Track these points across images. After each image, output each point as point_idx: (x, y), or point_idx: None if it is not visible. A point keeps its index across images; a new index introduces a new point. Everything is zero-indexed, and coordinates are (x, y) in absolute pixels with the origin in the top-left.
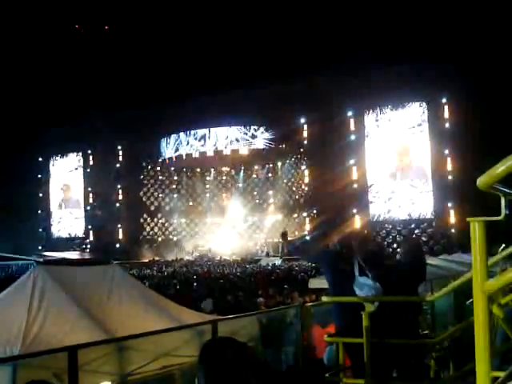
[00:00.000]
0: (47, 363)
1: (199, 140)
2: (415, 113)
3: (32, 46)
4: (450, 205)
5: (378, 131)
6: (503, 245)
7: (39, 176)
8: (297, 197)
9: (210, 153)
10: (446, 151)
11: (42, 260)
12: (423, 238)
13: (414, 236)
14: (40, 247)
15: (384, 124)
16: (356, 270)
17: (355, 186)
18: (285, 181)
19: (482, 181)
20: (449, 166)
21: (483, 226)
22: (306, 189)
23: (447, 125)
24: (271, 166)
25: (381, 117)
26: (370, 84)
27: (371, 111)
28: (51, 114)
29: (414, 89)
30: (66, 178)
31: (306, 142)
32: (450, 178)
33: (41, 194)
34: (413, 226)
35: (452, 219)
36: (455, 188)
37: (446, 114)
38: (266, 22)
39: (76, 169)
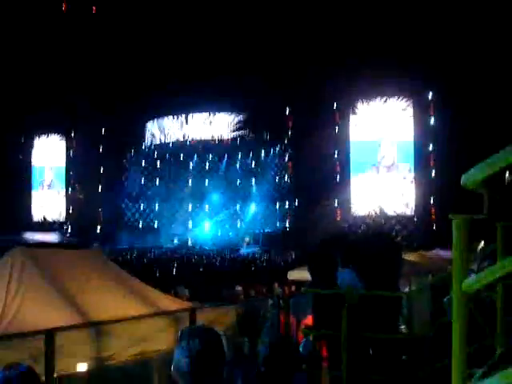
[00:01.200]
0: (24, 345)
1: (183, 126)
2: (400, 107)
3: (17, 26)
4: (431, 201)
5: (363, 125)
6: (482, 241)
7: (20, 157)
8: (279, 187)
9: (194, 139)
10: (430, 147)
11: (21, 242)
12: (402, 234)
13: (389, 231)
14: (19, 229)
15: (369, 117)
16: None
17: (338, 179)
18: (268, 170)
19: (470, 177)
20: (431, 162)
21: (466, 223)
22: (289, 180)
23: (432, 121)
24: (255, 154)
25: (367, 110)
26: (358, 77)
27: (357, 104)
28: (35, 95)
29: (400, 83)
30: (48, 160)
31: (290, 132)
32: (432, 174)
33: (21, 176)
34: (393, 221)
35: (433, 216)
36: (437, 184)
37: (431, 110)
38: (258, 11)
39: (58, 151)
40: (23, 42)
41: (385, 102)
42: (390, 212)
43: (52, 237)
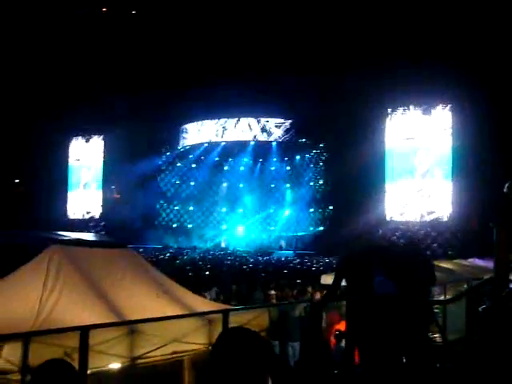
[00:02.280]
0: (59, 341)
1: (220, 129)
2: (438, 115)
3: (58, 27)
4: (468, 209)
5: (400, 131)
6: None
7: (59, 156)
8: (314, 192)
9: (230, 142)
10: (467, 155)
11: (58, 239)
12: (438, 241)
13: (420, 239)
14: (56, 228)
15: (406, 124)
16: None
17: (373, 184)
18: (303, 174)
19: None
20: (469, 170)
21: (507, 231)
22: (324, 184)
23: (470, 128)
24: (290, 158)
25: (404, 116)
26: (396, 83)
27: (394, 109)
28: (73, 95)
29: (438, 90)
30: (85, 160)
31: (326, 137)
32: (469, 181)
33: (59, 174)
34: (429, 228)
35: (472, 223)
36: (474, 192)
37: (470, 117)
38: (296, 17)
39: (95, 151)
40: (62, 43)
41: (422, 108)
42: (425, 218)
43: (88, 235)
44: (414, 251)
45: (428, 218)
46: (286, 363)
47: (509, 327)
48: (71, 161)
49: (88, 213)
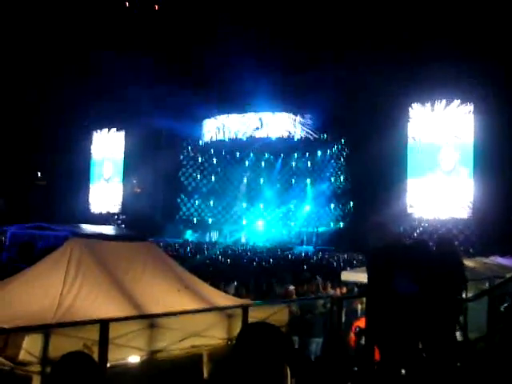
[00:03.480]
0: (79, 334)
1: (241, 124)
2: (462, 111)
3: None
4: (490, 207)
5: (423, 127)
6: None
7: (80, 150)
8: (335, 188)
9: (251, 138)
10: (491, 152)
11: (79, 232)
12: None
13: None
14: (78, 221)
15: (429, 120)
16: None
17: (395, 181)
18: (324, 170)
19: None
20: (492, 167)
21: None
22: (345, 180)
23: (494, 125)
24: (311, 154)
25: (427, 112)
26: (418, 79)
27: (417, 106)
28: (97, 89)
29: (462, 86)
30: (107, 154)
31: (348, 132)
32: (493, 179)
33: (82, 168)
34: (450, 226)
35: (492, 222)
36: (498, 190)
37: (494, 114)
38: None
39: (117, 145)
40: (86, 37)
41: (446, 104)
42: (447, 216)
43: (109, 228)
44: (448, 250)
45: (450, 216)
46: (305, 357)
47: None
48: (93, 154)
49: (110, 206)
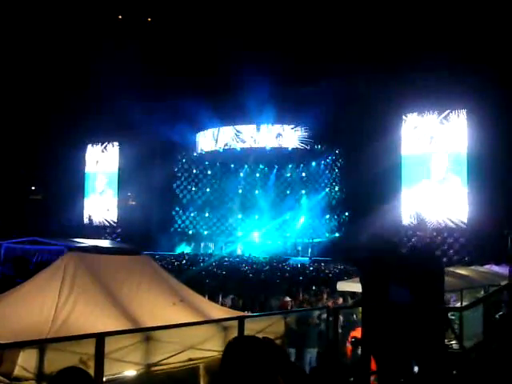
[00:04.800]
0: (74, 349)
1: (236, 135)
2: (454, 120)
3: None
4: (484, 215)
5: (415, 137)
6: None
7: (75, 163)
8: (329, 198)
9: (246, 149)
10: (484, 161)
11: (74, 246)
12: (454, 247)
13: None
14: (72, 235)
15: (422, 130)
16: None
17: (389, 191)
18: (318, 181)
19: None
20: (485, 176)
21: None
22: (339, 191)
23: (486, 134)
24: (305, 165)
25: (419, 122)
26: (410, 87)
27: (409, 116)
28: (90, 103)
29: (454, 95)
30: (101, 167)
31: (341, 143)
32: (486, 188)
33: (76, 181)
34: (445, 234)
35: (487, 230)
36: (491, 199)
37: (486, 123)
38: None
39: (111, 158)
40: (79, 50)
41: (439, 114)
42: (442, 225)
43: (104, 242)
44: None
45: (444, 224)
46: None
47: None
48: (87, 168)
49: (104, 220)
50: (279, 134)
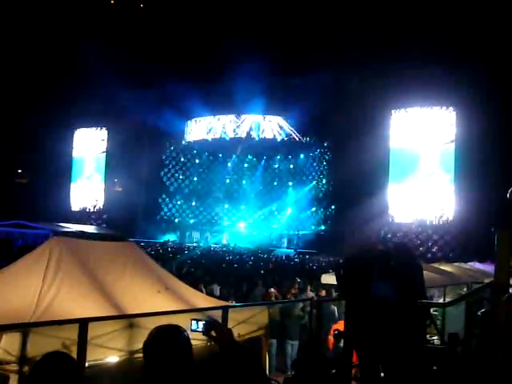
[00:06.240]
0: (58, 333)
1: (225, 125)
2: (443, 115)
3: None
4: (470, 212)
5: (404, 132)
6: None
7: (62, 148)
8: (316, 191)
9: (234, 139)
10: (472, 157)
11: (59, 231)
12: (439, 244)
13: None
14: (58, 219)
15: (410, 125)
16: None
17: (377, 185)
18: (306, 173)
19: None
20: (473, 173)
21: (510, 235)
22: (327, 184)
23: (475, 130)
24: (294, 157)
25: (408, 117)
26: (399, 83)
27: (398, 111)
28: (79, 87)
29: (443, 91)
30: (88, 152)
31: (330, 136)
32: (473, 185)
33: (63, 165)
34: (430, 231)
35: (472, 227)
36: (478, 195)
37: (475, 119)
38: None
39: (98, 144)
40: (68, 34)
41: (427, 109)
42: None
43: (89, 228)
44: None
45: (430, 220)
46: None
47: (508, 331)
48: (75, 152)
49: (90, 205)
50: (268, 126)
